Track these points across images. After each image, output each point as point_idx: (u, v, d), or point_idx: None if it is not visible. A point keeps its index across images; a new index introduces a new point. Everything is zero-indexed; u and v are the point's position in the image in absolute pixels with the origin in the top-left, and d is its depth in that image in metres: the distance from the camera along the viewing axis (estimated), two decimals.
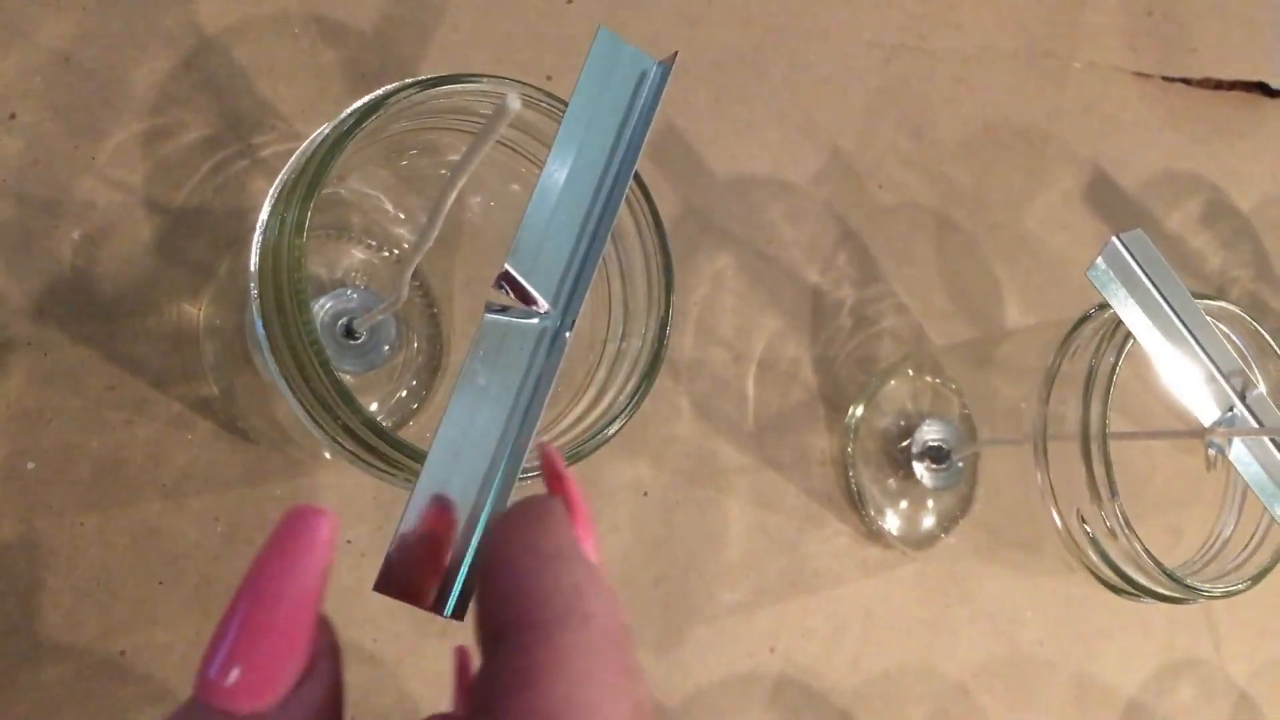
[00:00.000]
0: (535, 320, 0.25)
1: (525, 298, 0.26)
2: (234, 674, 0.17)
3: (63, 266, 0.38)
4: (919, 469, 0.53)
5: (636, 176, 0.31)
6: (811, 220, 0.52)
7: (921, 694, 0.52)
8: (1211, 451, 0.40)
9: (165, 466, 0.39)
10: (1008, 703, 0.54)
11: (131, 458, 0.38)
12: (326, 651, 0.18)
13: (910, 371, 0.54)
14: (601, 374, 0.33)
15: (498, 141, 0.34)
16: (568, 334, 0.25)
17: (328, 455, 0.41)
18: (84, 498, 0.37)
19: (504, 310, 0.25)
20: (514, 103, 0.19)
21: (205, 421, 0.39)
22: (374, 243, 0.42)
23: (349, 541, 0.41)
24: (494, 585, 0.18)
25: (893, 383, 0.53)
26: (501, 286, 0.26)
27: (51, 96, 0.38)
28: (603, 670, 0.16)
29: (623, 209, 0.33)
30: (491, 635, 0.17)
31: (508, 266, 0.25)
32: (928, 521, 0.53)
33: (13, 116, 0.38)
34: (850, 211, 0.53)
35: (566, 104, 0.28)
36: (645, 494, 0.47)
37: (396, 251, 0.42)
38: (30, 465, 0.37)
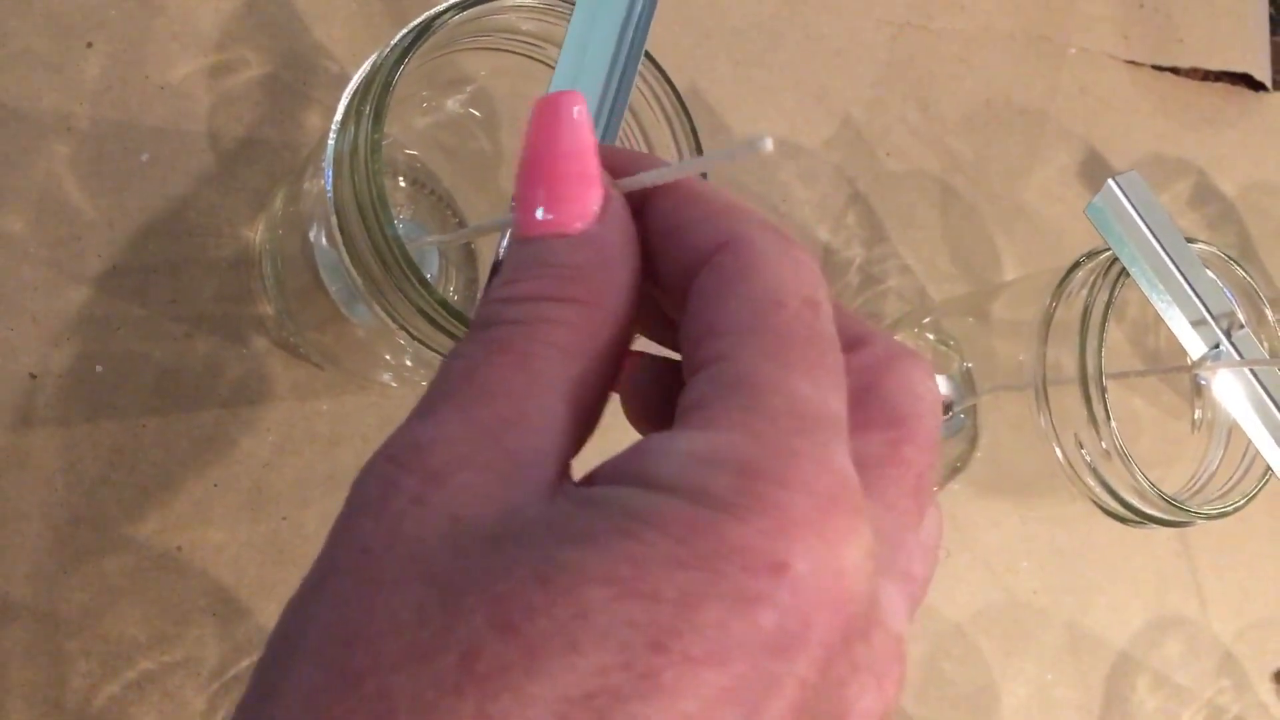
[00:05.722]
0: None
1: None
2: (544, 214, 0.20)
3: (132, 186, 0.40)
4: None
5: (648, 55, 0.32)
6: (823, 182, 0.55)
7: (922, 633, 0.54)
8: (1201, 383, 0.43)
9: (221, 377, 0.41)
10: (1004, 647, 0.56)
11: (190, 367, 0.41)
12: (617, 196, 0.20)
13: (915, 329, 0.56)
14: None
15: (529, 58, 0.36)
16: None
17: (385, 377, 0.43)
18: (147, 402, 0.40)
19: None
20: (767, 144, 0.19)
21: (259, 339, 0.42)
22: (415, 178, 0.45)
23: None
24: (690, 215, 0.20)
25: (896, 339, 0.56)
26: None
27: (125, 28, 0.41)
28: (796, 251, 0.19)
29: (641, 88, 0.35)
30: (689, 270, 0.20)
31: None
32: None
33: (89, 45, 0.40)
34: (859, 175, 0.56)
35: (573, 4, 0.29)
36: None
37: (434, 189, 0.45)
38: (99, 369, 0.39)
